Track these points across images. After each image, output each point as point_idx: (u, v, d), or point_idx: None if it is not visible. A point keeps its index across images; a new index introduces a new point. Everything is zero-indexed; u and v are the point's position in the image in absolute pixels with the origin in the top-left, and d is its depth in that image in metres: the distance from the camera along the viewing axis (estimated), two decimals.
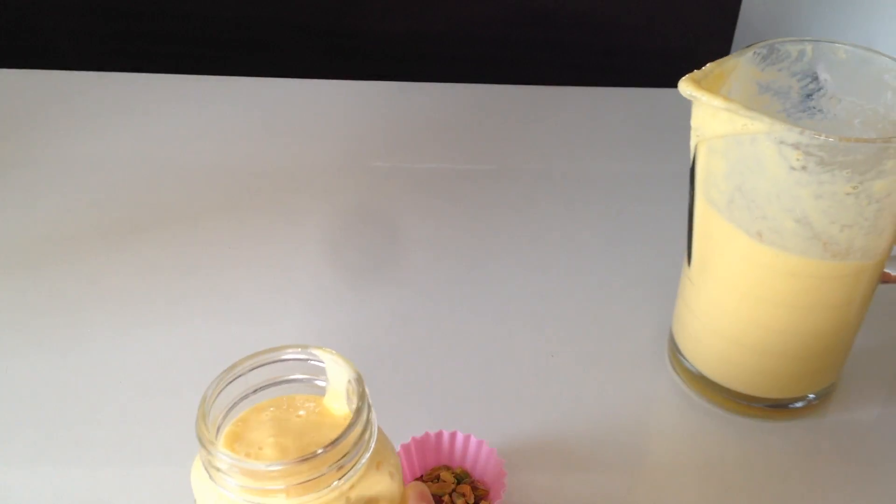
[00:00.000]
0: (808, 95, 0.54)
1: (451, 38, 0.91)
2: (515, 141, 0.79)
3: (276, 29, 0.90)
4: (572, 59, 0.92)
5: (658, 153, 0.77)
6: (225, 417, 0.39)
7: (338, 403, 0.39)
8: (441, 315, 0.62)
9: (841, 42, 0.52)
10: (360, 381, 0.38)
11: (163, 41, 0.90)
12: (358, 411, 0.37)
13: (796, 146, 0.46)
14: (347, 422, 0.37)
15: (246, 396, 0.39)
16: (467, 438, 0.51)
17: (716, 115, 0.47)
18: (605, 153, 0.78)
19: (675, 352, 0.58)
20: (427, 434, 0.50)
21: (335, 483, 0.36)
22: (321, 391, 0.40)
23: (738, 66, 0.51)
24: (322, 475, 0.36)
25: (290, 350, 0.39)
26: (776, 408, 0.56)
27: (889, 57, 0.51)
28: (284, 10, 0.89)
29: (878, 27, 0.71)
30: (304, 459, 0.35)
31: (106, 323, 0.60)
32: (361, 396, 0.37)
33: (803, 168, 0.46)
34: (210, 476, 0.37)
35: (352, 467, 0.36)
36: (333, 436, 0.37)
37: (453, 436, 0.51)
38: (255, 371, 0.39)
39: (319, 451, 0.35)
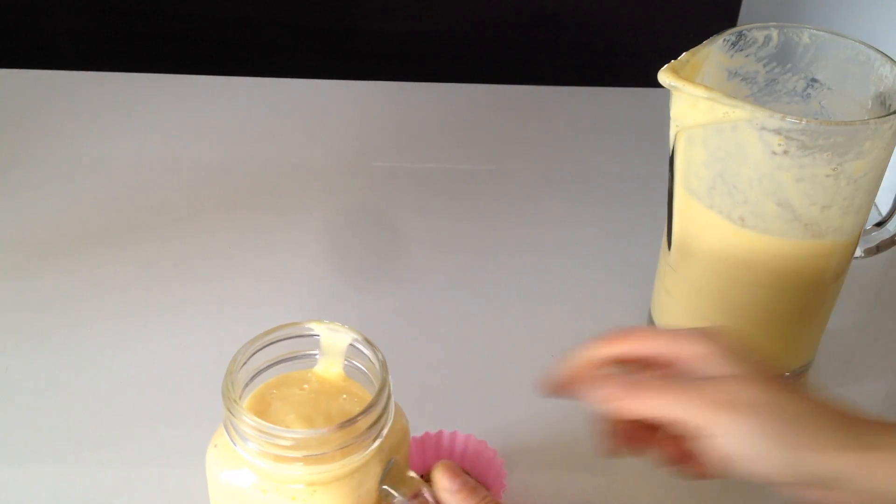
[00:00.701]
0: (774, 80, 0.55)
1: (451, 38, 0.91)
2: (515, 141, 0.79)
3: (276, 29, 0.90)
4: (572, 59, 0.92)
5: (657, 153, 0.77)
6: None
7: (332, 368, 0.41)
8: (440, 314, 0.62)
9: (806, 26, 0.53)
10: (367, 342, 0.40)
11: (163, 41, 0.90)
12: (384, 378, 0.39)
13: (778, 132, 0.46)
14: (346, 383, 0.41)
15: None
16: (468, 438, 0.51)
17: (696, 104, 0.48)
18: (605, 153, 0.78)
19: None
20: (427, 434, 0.50)
21: (377, 443, 0.39)
22: (312, 363, 0.42)
23: (710, 54, 0.51)
24: (361, 437, 0.38)
25: (305, 325, 0.41)
26: None
27: (854, 39, 0.52)
28: (284, 10, 0.89)
29: (880, 23, 0.71)
30: (344, 425, 0.37)
31: (106, 323, 0.60)
32: (383, 365, 0.39)
33: (785, 153, 0.47)
34: (239, 447, 0.38)
35: (385, 424, 0.39)
36: (346, 399, 0.40)
37: (453, 436, 0.51)
38: (275, 345, 0.41)
39: (358, 416, 0.37)
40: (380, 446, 0.39)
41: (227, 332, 0.60)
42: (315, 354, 0.42)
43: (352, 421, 0.37)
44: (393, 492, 0.40)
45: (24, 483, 0.51)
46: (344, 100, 0.82)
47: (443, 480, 0.41)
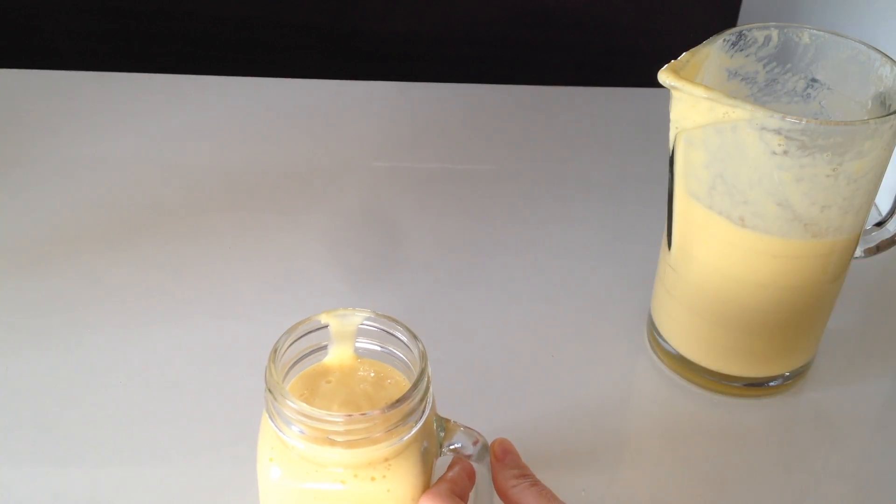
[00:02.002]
0: (774, 80, 0.55)
1: (451, 38, 0.91)
2: (515, 141, 0.79)
3: (276, 29, 0.90)
4: (572, 59, 0.92)
5: (657, 153, 0.77)
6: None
7: (344, 353, 0.43)
8: (440, 314, 0.62)
9: (806, 26, 0.53)
10: (381, 317, 0.43)
11: (163, 41, 0.90)
12: (422, 351, 0.42)
13: (778, 132, 0.46)
14: (362, 364, 0.43)
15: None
16: None
17: (696, 105, 0.48)
18: (605, 153, 0.78)
19: (654, 334, 0.60)
20: None
21: (429, 408, 0.41)
22: (322, 356, 0.43)
23: (710, 54, 0.51)
24: (417, 407, 0.40)
25: (316, 319, 0.43)
26: (753, 386, 0.57)
27: (854, 39, 0.52)
28: (284, 10, 0.89)
29: (880, 23, 0.71)
30: (401, 401, 0.40)
31: (106, 322, 0.60)
32: (423, 355, 0.42)
33: (785, 153, 0.47)
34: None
35: (430, 390, 0.42)
36: (374, 377, 0.43)
37: None
38: (295, 343, 0.43)
39: (412, 390, 0.40)
40: (430, 413, 0.42)
41: (227, 332, 0.60)
42: (325, 346, 0.44)
43: (407, 396, 0.40)
44: (451, 442, 0.44)
45: (24, 483, 0.51)
46: (344, 100, 0.82)
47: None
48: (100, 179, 0.72)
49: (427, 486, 0.42)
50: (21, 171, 0.72)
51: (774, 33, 0.53)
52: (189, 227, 0.68)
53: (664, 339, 0.58)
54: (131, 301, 0.62)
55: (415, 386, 0.40)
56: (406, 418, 0.40)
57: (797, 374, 0.58)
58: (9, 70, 0.82)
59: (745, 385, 0.57)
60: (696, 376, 0.57)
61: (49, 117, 0.78)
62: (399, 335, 0.43)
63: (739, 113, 0.47)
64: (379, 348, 0.43)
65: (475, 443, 0.44)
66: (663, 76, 0.48)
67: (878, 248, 0.57)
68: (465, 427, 0.44)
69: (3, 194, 0.70)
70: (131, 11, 0.88)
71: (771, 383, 0.57)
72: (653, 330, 0.60)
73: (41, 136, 0.76)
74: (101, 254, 0.65)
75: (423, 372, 0.41)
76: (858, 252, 0.56)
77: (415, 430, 0.41)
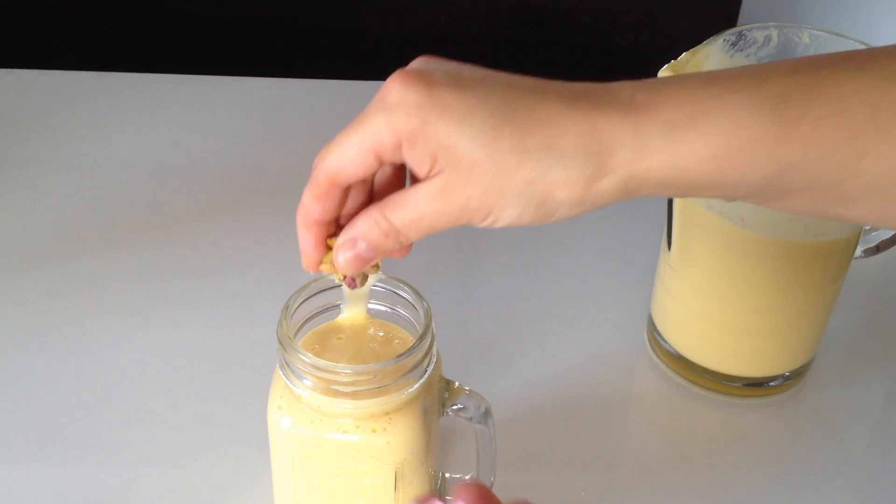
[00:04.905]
0: None
1: (451, 38, 0.91)
2: None
3: (276, 29, 0.90)
4: (572, 59, 0.92)
5: None
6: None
7: (357, 313, 0.45)
8: (440, 314, 0.62)
9: (806, 26, 0.53)
10: (395, 279, 0.45)
11: (163, 41, 0.90)
12: (427, 310, 0.43)
13: None
14: (373, 323, 0.45)
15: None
16: None
17: None
18: None
19: (654, 334, 0.60)
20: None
21: (432, 366, 0.43)
22: (336, 314, 0.45)
23: (710, 54, 0.52)
24: (420, 364, 0.42)
25: (329, 278, 0.44)
26: (753, 386, 0.57)
27: (854, 39, 0.52)
28: (284, 10, 0.89)
29: (880, 23, 0.71)
30: (404, 356, 0.41)
31: (106, 322, 0.60)
32: (417, 293, 0.44)
33: None
34: (293, 381, 0.41)
35: (434, 350, 0.43)
36: (384, 337, 0.45)
37: None
38: (308, 301, 0.45)
39: (416, 344, 0.42)
40: (434, 368, 0.43)
41: (227, 333, 0.60)
42: (338, 304, 0.45)
43: (410, 350, 0.41)
44: (454, 403, 0.45)
45: (24, 483, 0.51)
46: (344, 100, 0.82)
47: None
48: (100, 179, 0.72)
49: (427, 443, 0.43)
50: (21, 172, 0.72)
51: (774, 33, 0.53)
52: (189, 226, 0.68)
53: (664, 339, 0.58)
54: (131, 301, 0.62)
55: (418, 341, 0.42)
56: (408, 373, 0.41)
57: (797, 374, 0.58)
58: (9, 70, 0.82)
59: (745, 385, 0.57)
60: (696, 376, 0.58)
61: (49, 117, 0.78)
62: (405, 295, 0.44)
63: None
64: (390, 310, 0.45)
65: (479, 406, 0.45)
66: (663, 76, 0.48)
67: (878, 248, 0.57)
68: (470, 390, 0.45)
69: (4, 194, 0.70)
70: (131, 11, 0.88)
71: (771, 383, 0.57)
72: (653, 330, 0.60)
73: (41, 136, 0.76)
74: (101, 254, 0.65)
75: (426, 329, 0.42)
76: (858, 252, 0.56)
77: (416, 385, 0.42)
